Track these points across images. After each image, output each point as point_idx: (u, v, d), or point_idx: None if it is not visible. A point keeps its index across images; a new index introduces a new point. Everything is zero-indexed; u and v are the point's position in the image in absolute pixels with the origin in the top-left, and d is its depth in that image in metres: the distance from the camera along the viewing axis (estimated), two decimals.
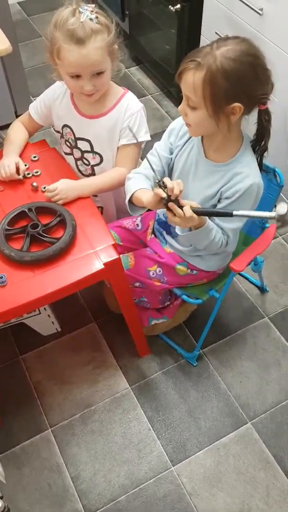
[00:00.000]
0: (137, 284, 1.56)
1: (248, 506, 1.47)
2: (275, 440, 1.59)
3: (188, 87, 1.17)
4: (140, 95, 2.72)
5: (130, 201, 1.37)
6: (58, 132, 1.62)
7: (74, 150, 1.60)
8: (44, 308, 1.69)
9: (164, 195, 1.17)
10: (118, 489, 1.50)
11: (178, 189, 1.16)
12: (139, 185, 1.35)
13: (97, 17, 1.31)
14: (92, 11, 1.31)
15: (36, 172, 1.55)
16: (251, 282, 1.97)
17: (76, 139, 1.56)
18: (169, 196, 1.16)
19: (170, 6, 2.23)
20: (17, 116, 2.54)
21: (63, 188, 1.46)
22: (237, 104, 1.16)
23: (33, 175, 1.55)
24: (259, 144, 1.32)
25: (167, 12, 2.28)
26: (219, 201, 1.34)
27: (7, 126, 2.50)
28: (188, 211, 1.18)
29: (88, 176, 1.63)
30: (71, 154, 1.62)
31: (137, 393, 1.69)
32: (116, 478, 1.52)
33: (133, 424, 1.62)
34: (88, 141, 1.55)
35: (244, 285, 1.97)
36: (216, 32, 2.11)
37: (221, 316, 1.86)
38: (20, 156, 1.58)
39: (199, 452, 1.57)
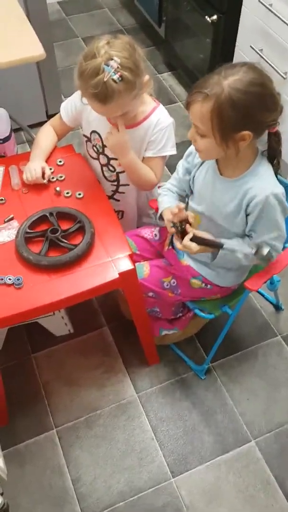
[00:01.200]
0: (150, 293, 1.57)
1: None
2: (278, 461, 1.58)
3: (196, 117, 1.19)
4: (170, 101, 2.72)
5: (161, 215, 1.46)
6: (85, 136, 1.64)
7: (101, 156, 1.61)
8: (59, 310, 1.72)
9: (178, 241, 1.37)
10: (116, 495, 1.52)
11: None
12: (168, 202, 1.46)
13: (121, 77, 1.29)
14: (118, 68, 1.28)
15: (61, 176, 1.58)
16: (267, 299, 1.96)
17: (104, 146, 1.58)
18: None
19: (206, 16, 2.23)
20: (48, 116, 2.60)
21: (120, 140, 1.45)
22: (246, 132, 1.17)
23: (57, 179, 1.57)
24: (272, 164, 1.32)
25: (203, 21, 2.28)
26: (247, 217, 1.34)
27: (38, 125, 2.56)
28: (185, 242, 1.33)
29: (112, 181, 1.65)
30: (97, 159, 1.64)
31: (143, 401, 1.70)
32: (116, 484, 1.54)
33: (137, 432, 1.64)
34: None
35: (259, 302, 1.96)
36: (251, 46, 2.11)
37: (234, 331, 1.86)
38: (47, 160, 1.60)
39: (200, 466, 1.57)
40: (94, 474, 1.56)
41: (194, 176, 1.42)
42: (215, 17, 2.20)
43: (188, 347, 1.82)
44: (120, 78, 1.29)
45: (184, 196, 1.51)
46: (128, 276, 1.39)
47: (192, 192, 1.47)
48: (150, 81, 1.43)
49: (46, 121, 2.64)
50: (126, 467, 1.57)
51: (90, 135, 1.61)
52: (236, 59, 2.30)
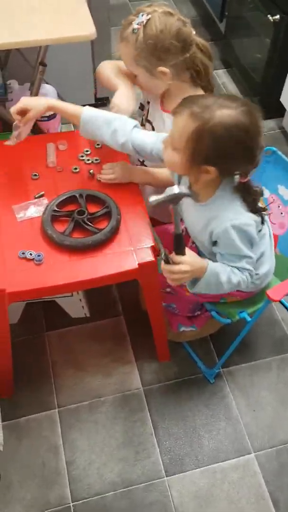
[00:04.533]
0: (168, 289, 1.55)
1: None
2: (276, 478, 1.54)
3: (177, 129, 1.16)
4: None
5: None
6: (141, 104, 1.64)
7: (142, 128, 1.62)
8: (77, 292, 1.72)
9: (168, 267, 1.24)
10: (107, 485, 1.51)
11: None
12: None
13: (137, 30, 1.36)
14: (142, 23, 1.34)
15: (96, 159, 1.57)
16: None
17: (146, 119, 1.57)
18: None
19: (269, 15, 2.17)
20: (96, 99, 2.59)
21: (120, 169, 1.49)
22: (212, 168, 1.15)
23: (92, 162, 1.56)
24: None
25: (265, 20, 2.21)
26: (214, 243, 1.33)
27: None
28: (164, 266, 1.24)
29: (139, 159, 1.64)
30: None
31: (148, 395, 1.68)
32: (109, 473, 1.53)
33: (137, 425, 1.62)
34: (153, 128, 1.56)
35: (281, 313, 1.90)
36: None
37: (250, 339, 1.81)
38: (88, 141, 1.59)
39: (196, 470, 1.55)
40: (89, 460, 1.56)
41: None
42: (277, 16, 2.14)
43: (201, 348, 1.79)
44: (135, 30, 1.36)
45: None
46: (148, 268, 1.37)
47: None
48: (166, 75, 1.42)
49: (94, 104, 2.67)
50: (121, 458, 1.56)
51: (145, 103, 1.61)
52: None
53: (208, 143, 1.12)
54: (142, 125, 1.60)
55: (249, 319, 1.52)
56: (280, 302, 1.90)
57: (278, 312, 1.90)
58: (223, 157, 1.14)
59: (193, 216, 1.35)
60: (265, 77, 2.39)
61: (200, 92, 1.53)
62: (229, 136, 1.11)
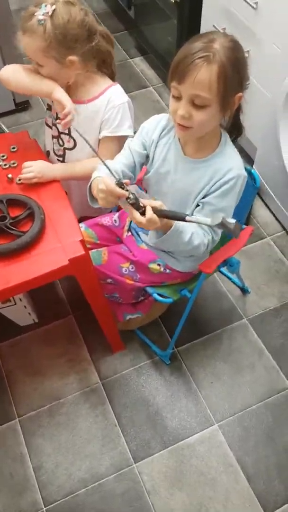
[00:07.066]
0: (109, 280, 1.56)
1: (205, 508, 1.47)
2: (240, 444, 1.58)
3: (201, 84, 1.11)
4: (141, 86, 2.68)
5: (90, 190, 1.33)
6: (48, 103, 1.61)
7: (54, 127, 1.61)
8: (20, 299, 1.70)
9: (127, 194, 1.12)
10: (77, 483, 1.51)
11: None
12: (101, 174, 1.31)
13: (43, 21, 1.33)
14: (47, 13, 1.32)
15: (13, 163, 1.55)
16: (234, 283, 1.94)
17: (57, 117, 1.56)
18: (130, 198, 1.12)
19: None
20: (16, 104, 2.56)
21: (39, 167, 1.48)
22: (239, 94, 1.18)
23: (10, 166, 1.55)
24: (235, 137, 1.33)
25: (168, 2, 2.24)
26: (204, 197, 1.31)
27: (5, 114, 2.53)
28: (148, 212, 1.13)
29: (59, 156, 1.64)
30: (51, 128, 1.63)
31: (107, 388, 1.69)
32: (77, 471, 1.53)
33: (100, 419, 1.63)
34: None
35: (226, 285, 1.94)
36: (214, 25, 2.07)
37: (200, 315, 1.85)
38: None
39: (163, 451, 1.57)
40: (56, 462, 1.55)
41: (152, 157, 1.37)
42: None
43: (153, 332, 1.81)
44: (42, 22, 1.33)
45: (129, 176, 1.39)
46: (80, 262, 1.37)
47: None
48: (75, 64, 1.42)
49: (14, 110, 2.63)
50: (88, 454, 1.56)
51: (53, 102, 1.58)
52: None
53: (232, 73, 1.11)
54: (54, 125, 1.59)
55: (189, 295, 1.55)
56: (223, 273, 1.95)
57: (222, 284, 1.94)
58: (243, 74, 1.16)
59: (185, 175, 1.32)
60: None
61: (107, 80, 1.54)
62: (239, 52, 1.15)
